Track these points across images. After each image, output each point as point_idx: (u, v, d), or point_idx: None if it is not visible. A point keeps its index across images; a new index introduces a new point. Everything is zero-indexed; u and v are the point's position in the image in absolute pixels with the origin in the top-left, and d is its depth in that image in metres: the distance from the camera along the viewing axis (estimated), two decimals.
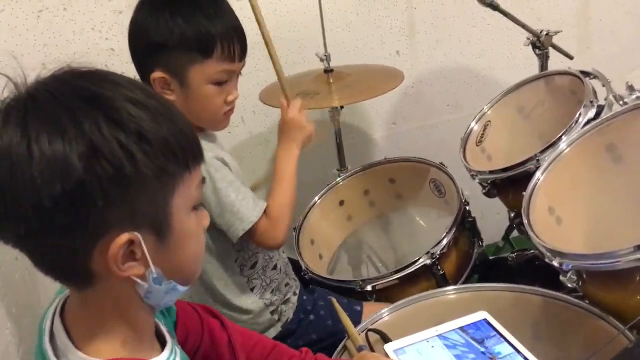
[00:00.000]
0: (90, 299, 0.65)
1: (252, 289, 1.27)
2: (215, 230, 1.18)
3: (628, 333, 0.86)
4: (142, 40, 1.12)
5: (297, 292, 1.37)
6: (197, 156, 0.66)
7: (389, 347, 1.00)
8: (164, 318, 0.78)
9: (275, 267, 1.31)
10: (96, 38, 1.64)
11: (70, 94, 0.58)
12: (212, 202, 1.14)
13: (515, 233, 1.74)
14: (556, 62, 1.63)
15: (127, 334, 0.66)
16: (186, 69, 1.11)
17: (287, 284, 1.34)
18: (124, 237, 0.59)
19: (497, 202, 1.42)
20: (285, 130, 1.28)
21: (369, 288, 1.29)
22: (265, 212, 1.18)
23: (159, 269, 0.64)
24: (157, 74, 1.10)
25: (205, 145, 1.16)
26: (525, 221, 1.04)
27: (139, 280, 0.63)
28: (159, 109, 0.62)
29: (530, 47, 1.61)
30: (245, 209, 1.15)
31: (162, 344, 0.72)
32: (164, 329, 0.75)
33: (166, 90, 1.12)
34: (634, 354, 0.67)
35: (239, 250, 1.24)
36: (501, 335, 0.98)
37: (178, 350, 0.74)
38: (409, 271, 1.28)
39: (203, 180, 0.70)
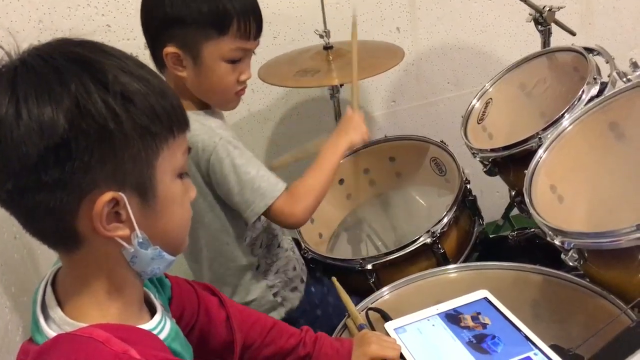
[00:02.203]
0: (77, 263, 0.65)
1: (257, 268, 1.27)
2: (233, 210, 1.18)
3: (630, 312, 0.86)
4: (157, 14, 1.09)
5: (305, 280, 1.36)
6: (181, 123, 0.67)
7: (389, 326, 1.00)
8: (158, 294, 0.78)
9: (279, 246, 1.30)
10: (92, 14, 1.61)
11: (60, 57, 0.60)
12: (231, 180, 1.12)
13: (514, 211, 1.74)
14: (558, 38, 1.60)
15: (115, 299, 0.66)
16: (201, 45, 1.09)
17: (294, 268, 1.33)
18: (108, 194, 0.60)
19: (497, 180, 1.41)
20: (342, 125, 1.29)
21: (369, 267, 1.29)
22: (288, 189, 1.16)
23: (145, 233, 0.65)
24: (170, 49, 1.09)
25: (220, 123, 1.16)
26: (527, 200, 1.04)
27: (124, 243, 0.64)
28: (146, 77, 0.64)
29: (532, 23, 1.59)
30: (266, 184, 1.13)
31: (153, 314, 0.72)
32: (155, 299, 0.75)
33: (178, 66, 1.11)
34: (636, 333, 0.67)
35: (249, 229, 1.23)
36: (502, 314, 0.98)
37: (169, 320, 0.74)
38: (409, 250, 1.27)
39: (189, 150, 0.70)
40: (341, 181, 1.61)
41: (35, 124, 0.56)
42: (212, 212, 1.18)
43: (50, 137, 0.56)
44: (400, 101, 2.06)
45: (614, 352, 0.62)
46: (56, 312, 0.65)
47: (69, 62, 0.59)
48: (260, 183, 1.13)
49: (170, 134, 0.65)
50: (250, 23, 1.10)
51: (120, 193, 0.61)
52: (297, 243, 1.42)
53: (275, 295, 1.28)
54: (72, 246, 0.64)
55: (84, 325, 0.63)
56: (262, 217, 1.25)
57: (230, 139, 1.13)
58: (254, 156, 1.16)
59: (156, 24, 1.10)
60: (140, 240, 0.64)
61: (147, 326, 0.69)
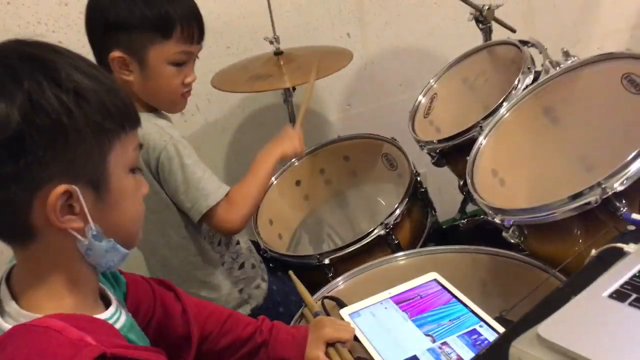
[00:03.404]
0: (32, 256, 0.67)
1: (222, 264, 1.30)
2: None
3: (559, 274, 0.91)
4: (101, 21, 1.13)
5: (266, 278, 1.39)
6: (133, 120, 0.70)
7: (344, 312, 1.04)
8: (113, 289, 0.80)
9: (237, 243, 1.34)
10: (42, 31, 1.63)
11: (13, 56, 0.62)
12: (178, 178, 1.16)
13: (471, 207, 1.79)
14: (502, 36, 1.67)
15: (70, 290, 0.68)
16: (146, 49, 1.12)
17: (253, 265, 1.36)
18: (62, 187, 0.62)
19: (454, 178, 1.46)
20: (278, 136, 1.35)
21: (326, 261, 1.31)
22: (227, 195, 1.20)
23: (99, 226, 0.67)
24: (115, 54, 1.12)
25: (168, 124, 1.19)
26: (469, 182, 1.08)
27: (78, 236, 0.65)
28: (98, 76, 0.66)
29: (473, 22, 1.66)
30: (210, 186, 1.18)
31: (108, 307, 0.74)
32: (109, 293, 0.77)
33: (124, 70, 1.14)
34: (564, 292, 0.71)
35: (206, 229, 1.27)
36: (450, 293, 1.03)
37: (124, 312, 0.76)
38: (364, 242, 1.30)
39: (140, 146, 0.73)
40: (298, 182, 1.64)
41: None
42: (167, 208, 1.20)
43: (4, 131, 0.58)
44: (355, 104, 2.11)
45: (541, 312, 0.66)
46: (11, 306, 0.66)
47: (22, 61, 0.62)
48: (205, 184, 1.17)
49: (122, 130, 0.68)
50: (193, 27, 1.15)
51: (73, 186, 0.63)
52: (255, 244, 1.45)
53: (241, 292, 1.31)
54: (26, 240, 0.65)
55: (39, 316, 0.64)
56: None
57: (180, 139, 1.17)
58: (200, 160, 1.20)
59: (101, 30, 1.13)
60: (94, 232, 0.66)
61: (102, 316, 0.71)
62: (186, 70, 1.19)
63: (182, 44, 1.14)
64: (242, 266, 1.33)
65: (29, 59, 0.62)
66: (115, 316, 0.73)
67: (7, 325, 0.64)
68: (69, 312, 0.66)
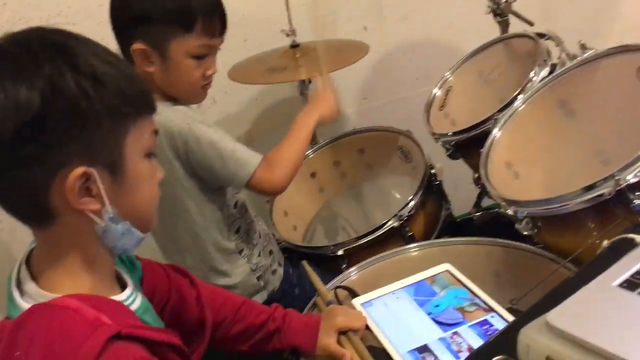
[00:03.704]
0: (51, 239, 0.69)
1: (240, 252, 1.31)
2: (208, 195, 1.23)
3: (569, 265, 0.91)
4: (124, 12, 1.14)
5: (282, 263, 1.41)
6: (148, 105, 0.72)
7: (356, 301, 1.05)
8: (129, 273, 0.81)
9: (254, 231, 1.35)
10: (63, 23, 1.65)
11: (35, 42, 0.64)
12: (212, 156, 1.17)
13: (486, 203, 1.79)
14: (519, 30, 1.66)
15: (87, 271, 0.70)
16: (167, 41, 1.14)
17: (271, 252, 1.38)
18: (80, 169, 0.64)
19: (470, 173, 1.46)
20: (314, 99, 1.37)
21: (340, 252, 1.33)
22: (264, 158, 1.21)
23: (115, 208, 0.68)
24: (137, 46, 1.13)
25: (189, 110, 1.21)
26: (482, 174, 1.09)
27: (95, 218, 0.67)
28: (115, 62, 0.68)
29: (491, 15, 1.65)
30: (246, 155, 1.19)
31: (124, 289, 0.76)
32: (125, 276, 0.79)
33: (146, 62, 1.15)
34: (574, 281, 0.71)
35: (226, 217, 1.28)
36: (463, 285, 1.03)
37: (140, 295, 0.77)
38: (378, 234, 1.32)
39: (156, 132, 0.74)
40: (313, 175, 1.66)
41: (11, 102, 0.61)
42: (189, 197, 1.22)
43: (26, 113, 0.61)
44: (371, 98, 2.11)
45: (551, 300, 0.66)
46: (30, 286, 0.68)
47: (44, 46, 0.64)
48: (240, 154, 1.18)
49: (138, 114, 0.70)
50: (215, 20, 1.16)
51: (91, 168, 0.65)
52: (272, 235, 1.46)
53: (258, 279, 1.33)
54: (45, 221, 0.67)
55: (57, 296, 0.66)
56: (237, 203, 1.29)
57: (201, 119, 1.18)
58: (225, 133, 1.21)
59: (124, 22, 1.14)
60: (111, 215, 0.68)
61: (118, 298, 0.73)
62: (207, 62, 1.19)
63: (204, 38, 1.15)
64: (260, 254, 1.34)
65: (50, 45, 0.64)
66: (131, 298, 0.75)
67: (27, 305, 0.66)
68: (86, 293, 0.68)
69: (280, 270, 1.39)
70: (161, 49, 1.14)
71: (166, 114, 1.15)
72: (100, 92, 0.64)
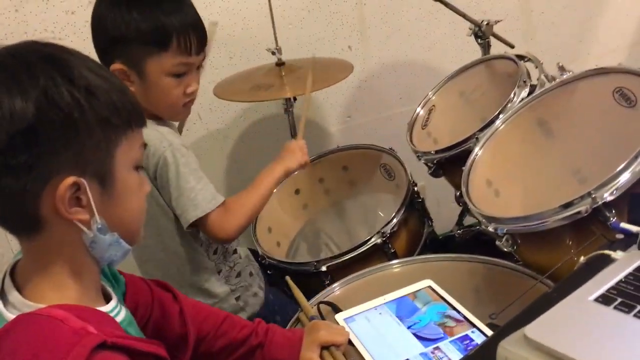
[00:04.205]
0: (38, 248, 0.69)
1: (219, 272, 1.31)
2: None
3: (547, 281, 0.93)
4: (101, 34, 1.16)
5: (263, 287, 1.41)
6: (139, 118, 0.73)
7: (339, 317, 1.05)
8: (112, 288, 0.82)
9: (235, 252, 1.35)
10: (49, 39, 1.63)
11: (30, 54, 0.66)
12: (172, 184, 1.17)
13: (468, 221, 1.81)
14: (500, 51, 1.70)
15: (73, 282, 0.70)
16: (143, 61, 1.15)
17: (251, 273, 1.38)
18: (71, 179, 0.65)
19: (452, 192, 1.47)
20: (281, 152, 1.37)
21: (323, 269, 1.33)
22: (224, 204, 1.21)
23: (104, 219, 0.69)
24: (116, 66, 1.14)
25: (170, 131, 1.21)
26: (464, 191, 1.11)
27: (84, 228, 0.68)
28: (107, 76, 0.70)
29: (472, 37, 1.69)
30: (202, 197, 1.18)
31: (108, 301, 0.76)
32: (110, 290, 0.79)
33: (126, 81, 1.16)
34: (552, 296, 0.73)
35: (200, 236, 1.28)
36: (444, 300, 1.04)
37: (124, 308, 0.78)
38: (361, 250, 1.33)
39: (145, 145, 0.75)
40: (297, 191, 1.67)
41: (6, 112, 0.62)
42: (165, 215, 1.22)
43: (20, 123, 0.62)
44: (355, 116, 2.14)
45: (529, 314, 0.68)
46: (15, 297, 0.68)
47: (39, 59, 0.65)
48: (196, 194, 1.18)
49: (129, 127, 0.71)
50: (191, 38, 1.16)
51: (81, 178, 0.66)
52: (253, 252, 1.46)
53: (237, 299, 1.33)
54: (33, 231, 0.68)
55: (42, 306, 0.67)
56: None
57: (179, 147, 1.19)
58: (199, 169, 1.21)
59: (102, 43, 1.16)
60: (99, 225, 0.69)
61: (103, 309, 0.74)
62: (187, 80, 1.19)
63: (180, 56, 1.16)
64: (239, 274, 1.34)
65: (45, 57, 0.66)
66: (116, 310, 0.75)
67: (11, 315, 0.67)
68: (72, 303, 0.68)
69: (261, 294, 1.39)
70: (138, 69, 1.15)
71: (146, 132, 1.15)
72: (93, 104, 0.66)
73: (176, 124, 1.30)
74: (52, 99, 0.63)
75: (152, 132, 1.17)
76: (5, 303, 0.68)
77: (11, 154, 0.62)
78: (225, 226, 1.21)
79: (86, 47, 1.71)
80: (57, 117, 0.64)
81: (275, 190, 1.59)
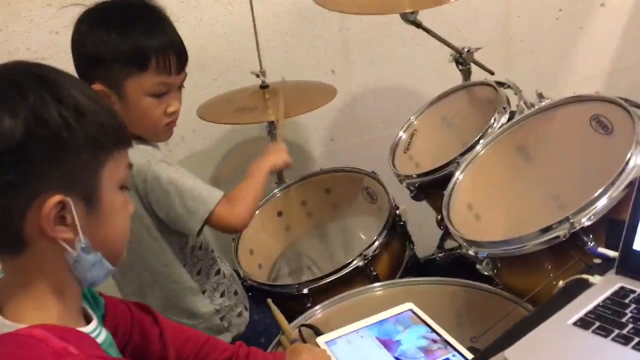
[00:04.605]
0: (20, 267, 0.68)
1: (203, 292, 1.31)
2: (170, 234, 1.23)
3: (527, 305, 0.94)
4: (81, 55, 1.16)
5: (248, 307, 1.40)
6: (125, 139, 0.74)
7: (320, 340, 1.05)
8: (92, 309, 0.81)
9: (218, 272, 1.35)
10: (32, 59, 1.63)
11: (18, 74, 0.66)
12: (172, 193, 1.17)
13: (449, 244, 1.82)
14: (481, 78, 1.73)
15: (55, 302, 0.69)
16: (123, 81, 1.15)
17: (235, 292, 1.38)
18: (57, 197, 0.65)
19: (433, 216, 1.49)
20: (265, 150, 1.41)
21: (305, 291, 1.33)
22: (224, 196, 1.21)
23: (87, 239, 0.69)
24: (96, 87, 1.13)
25: (153, 149, 1.21)
26: (445, 215, 1.12)
27: (67, 247, 0.68)
28: (95, 97, 0.71)
29: (454, 63, 1.72)
30: (205, 191, 1.19)
31: (89, 323, 0.75)
32: (90, 311, 0.78)
33: (107, 102, 1.15)
34: (531, 320, 0.74)
35: (189, 257, 1.28)
36: (426, 324, 1.05)
37: (104, 330, 0.77)
38: (343, 273, 1.33)
39: (130, 166, 0.75)
40: (279, 213, 1.67)
41: None
42: (149, 235, 1.21)
43: (8, 141, 0.62)
44: (338, 140, 2.15)
45: (509, 338, 0.69)
46: None
47: (28, 78, 0.66)
48: (199, 191, 1.19)
49: (116, 147, 0.72)
50: (170, 58, 1.16)
51: (67, 197, 0.66)
52: (236, 273, 1.46)
53: (222, 319, 1.32)
54: (16, 249, 0.67)
55: (23, 326, 0.66)
56: (202, 245, 1.29)
57: (162, 158, 1.19)
58: (187, 171, 1.22)
59: (82, 63, 1.16)
60: (83, 245, 0.69)
61: (84, 330, 0.73)
62: (167, 100, 1.19)
63: (159, 76, 1.16)
64: (222, 294, 1.34)
65: (34, 77, 0.66)
66: (97, 331, 0.74)
67: None
68: (54, 323, 0.67)
69: (246, 314, 1.38)
70: (119, 90, 1.15)
71: (129, 152, 1.16)
72: (82, 123, 0.66)
73: (167, 153, 1.30)
74: (42, 118, 0.63)
75: (133, 152, 1.16)
76: None
77: None
78: (234, 213, 1.22)
79: (70, 67, 1.71)
80: (45, 136, 0.64)
81: (257, 212, 1.61)
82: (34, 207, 0.65)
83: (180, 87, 1.24)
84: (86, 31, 1.15)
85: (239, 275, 1.45)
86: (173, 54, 1.17)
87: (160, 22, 1.19)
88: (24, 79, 0.65)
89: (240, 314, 1.36)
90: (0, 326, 0.66)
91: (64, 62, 1.57)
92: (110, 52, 1.13)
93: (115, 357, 0.76)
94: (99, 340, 0.74)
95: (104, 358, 0.67)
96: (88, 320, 0.76)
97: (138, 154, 1.17)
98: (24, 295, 0.68)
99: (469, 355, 0.93)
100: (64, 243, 0.67)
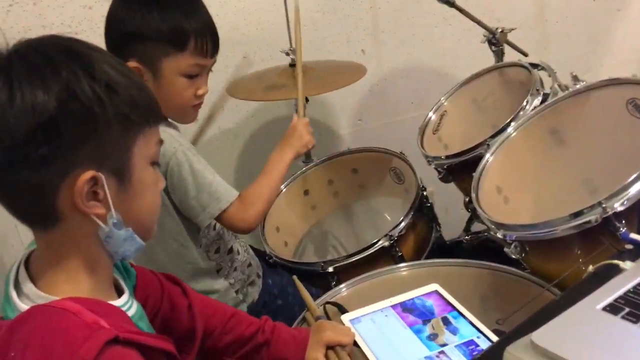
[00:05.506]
0: (53, 241, 0.70)
1: (218, 271, 1.33)
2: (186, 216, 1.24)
3: (554, 289, 0.93)
4: (118, 30, 1.17)
5: (261, 274, 1.42)
6: (157, 114, 0.74)
7: (345, 317, 1.06)
8: (123, 280, 0.82)
9: (232, 250, 1.36)
10: (65, 33, 1.65)
11: (52, 49, 0.66)
12: (189, 183, 1.19)
13: (476, 228, 1.81)
14: (514, 60, 1.70)
15: (87, 275, 0.71)
16: (159, 60, 1.16)
17: (249, 265, 1.40)
18: (90, 173, 0.66)
19: (461, 198, 1.48)
20: (286, 136, 1.39)
21: (330, 269, 1.34)
22: (239, 196, 1.23)
23: (119, 214, 0.70)
24: (131, 64, 1.15)
25: (179, 134, 1.23)
26: (473, 197, 1.11)
27: (100, 222, 0.69)
28: (127, 72, 0.71)
29: (487, 44, 1.69)
30: (222, 189, 1.21)
31: (120, 295, 0.77)
32: (122, 283, 0.80)
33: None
34: (559, 303, 0.73)
35: (203, 236, 1.29)
36: (450, 305, 1.05)
37: (135, 302, 0.78)
38: (368, 253, 1.33)
39: (161, 142, 0.76)
40: (306, 192, 1.67)
41: (28, 104, 0.62)
42: (169, 215, 1.23)
43: (41, 115, 0.63)
44: (366, 120, 2.14)
45: (536, 321, 0.68)
46: (29, 288, 0.69)
47: (61, 53, 0.66)
48: (217, 188, 1.20)
49: (147, 123, 0.72)
50: (207, 41, 1.18)
51: (99, 173, 0.67)
52: (258, 250, 1.48)
53: (237, 292, 1.34)
54: (50, 224, 0.68)
55: (56, 298, 0.67)
56: (217, 225, 1.31)
57: (189, 146, 1.21)
58: (209, 166, 1.23)
59: (118, 40, 1.17)
60: (115, 220, 0.70)
61: (116, 303, 0.74)
62: (199, 82, 1.22)
63: (196, 57, 1.18)
64: (236, 269, 1.36)
65: (67, 52, 0.66)
66: (128, 304, 0.76)
67: (24, 306, 0.67)
68: (85, 297, 0.68)
69: (259, 282, 1.40)
70: (154, 67, 1.16)
71: None
72: (114, 99, 0.67)
73: (196, 131, 1.32)
74: (74, 93, 0.64)
75: (162, 134, 1.18)
76: (20, 294, 0.69)
77: (31, 146, 0.63)
78: (245, 216, 1.23)
79: (102, 42, 1.73)
80: (78, 111, 0.64)
81: (284, 190, 1.63)
82: (67, 182, 0.66)
83: (209, 71, 1.25)
84: (125, 7, 1.16)
85: (263, 252, 1.46)
86: (210, 37, 1.19)
87: (198, 4, 1.21)
88: (57, 54, 0.65)
89: (252, 282, 1.38)
90: (35, 297, 0.68)
91: (97, 36, 1.59)
92: (151, 30, 1.14)
93: (145, 330, 0.77)
94: (130, 313, 0.75)
95: (134, 332, 0.68)
96: (120, 293, 0.78)
97: (166, 137, 1.17)
98: (57, 269, 0.70)
99: (494, 338, 0.93)
100: (96, 218, 0.68)
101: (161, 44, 1.15)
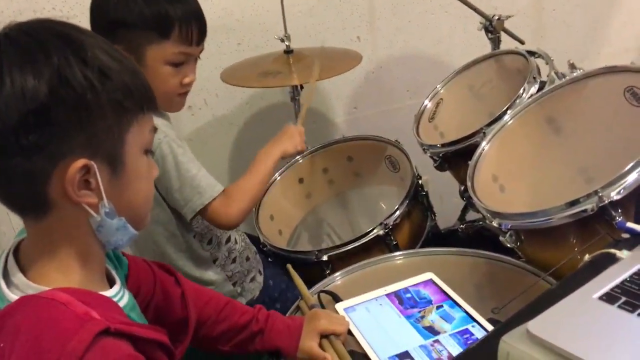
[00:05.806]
0: (44, 230, 0.68)
1: (214, 261, 1.31)
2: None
3: (549, 278, 0.93)
4: (102, 17, 1.14)
5: (262, 272, 1.41)
6: (151, 101, 0.72)
7: (339, 306, 1.05)
8: (116, 270, 0.81)
9: (229, 240, 1.35)
10: (58, 17, 1.64)
11: (44, 32, 0.64)
12: (172, 176, 1.16)
13: (470, 216, 1.81)
14: (511, 47, 1.69)
15: (78, 265, 0.69)
16: (143, 47, 1.14)
17: (247, 258, 1.38)
18: (81, 161, 0.64)
19: (455, 187, 1.47)
20: (278, 135, 1.37)
21: (324, 258, 1.33)
22: (224, 191, 1.21)
23: (112, 203, 0.68)
24: None
25: (165, 123, 1.21)
26: (469, 185, 1.10)
27: (91, 211, 0.67)
28: (120, 58, 0.69)
29: (483, 32, 1.68)
30: (205, 184, 1.18)
31: (112, 286, 0.76)
32: (114, 273, 0.78)
33: None
34: (555, 293, 0.72)
35: (196, 226, 1.28)
36: (445, 294, 1.04)
37: (127, 292, 0.77)
38: (363, 241, 1.32)
39: (155, 129, 0.74)
40: (301, 180, 1.66)
41: (18, 90, 0.60)
42: (159, 205, 1.21)
43: (32, 101, 0.61)
44: (362, 108, 2.13)
45: (532, 310, 0.67)
46: (19, 278, 0.67)
47: (52, 37, 0.64)
48: (200, 182, 1.18)
49: (141, 110, 0.70)
50: (192, 29, 1.16)
51: (92, 161, 0.65)
52: (254, 238, 1.46)
53: (234, 285, 1.33)
54: (40, 212, 0.67)
55: (47, 288, 0.66)
56: None
57: (174, 138, 1.18)
58: (196, 159, 1.21)
59: (102, 26, 1.14)
60: (107, 210, 0.68)
61: (107, 294, 0.73)
62: (185, 70, 1.19)
63: (181, 45, 1.15)
64: (234, 261, 1.34)
65: (59, 36, 0.64)
66: (119, 295, 0.75)
67: (14, 296, 0.66)
68: (76, 287, 0.67)
69: (260, 279, 1.39)
70: (138, 55, 1.14)
71: None
72: (106, 85, 0.65)
73: (189, 118, 1.30)
74: (66, 79, 0.62)
75: None
76: (9, 284, 0.67)
77: (22, 133, 0.61)
78: (228, 212, 1.20)
79: None
80: (69, 98, 0.62)
81: (278, 178, 1.61)
82: (58, 170, 0.64)
83: (197, 59, 1.23)
84: None
85: (258, 240, 1.45)
86: (195, 25, 1.16)
87: None
88: (49, 39, 0.63)
89: (253, 279, 1.37)
90: (25, 287, 0.67)
91: (89, 21, 1.57)
92: (134, 17, 1.11)
93: (137, 320, 0.76)
94: (122, 303, 0.74)
95: (126, 323, 0.67)
96: (111, 283, 0.76)
97: None
98: (48, 258, 0.68)
99: (489, 327, 0.93)
100: (88, 207, 0.67)
101: (145, 32, 1.12)
